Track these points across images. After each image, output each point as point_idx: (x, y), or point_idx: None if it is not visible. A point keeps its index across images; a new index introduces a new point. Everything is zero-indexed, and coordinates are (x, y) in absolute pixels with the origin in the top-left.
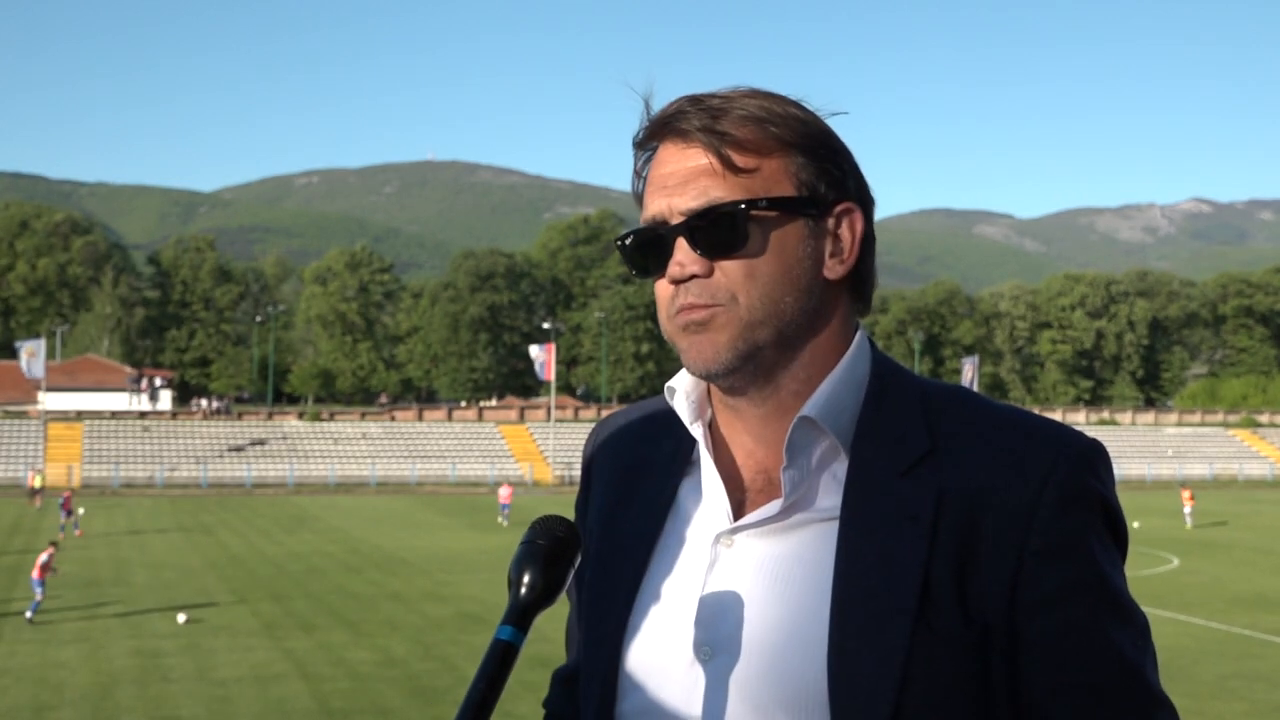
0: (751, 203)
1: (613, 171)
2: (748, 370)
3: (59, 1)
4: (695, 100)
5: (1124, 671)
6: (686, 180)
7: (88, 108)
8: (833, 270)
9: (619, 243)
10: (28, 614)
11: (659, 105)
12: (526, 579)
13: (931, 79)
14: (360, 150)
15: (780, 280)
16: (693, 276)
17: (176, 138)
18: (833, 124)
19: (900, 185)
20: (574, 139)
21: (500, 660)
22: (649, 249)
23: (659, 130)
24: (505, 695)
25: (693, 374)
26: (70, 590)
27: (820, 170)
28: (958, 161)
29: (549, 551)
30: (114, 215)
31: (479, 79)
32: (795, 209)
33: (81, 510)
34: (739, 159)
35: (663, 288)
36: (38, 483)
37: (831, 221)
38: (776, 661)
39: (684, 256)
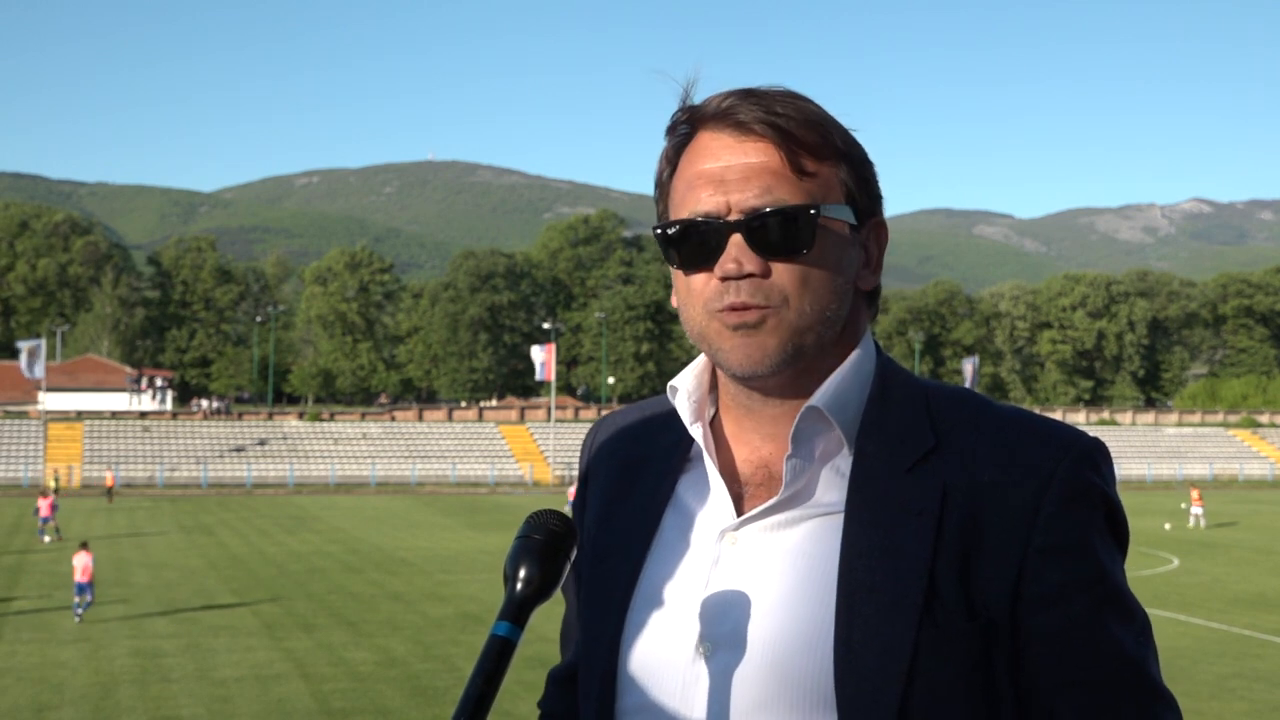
0: (819, 209)
1: (613, 171)
2: (788, 372)
3: (59, 1)
4: (747, 94)
5: (1126, 667)
6: (748, 176)
7: (88, 108)
8: (865, 280)
9: (660, 230)
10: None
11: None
12: (522, 574)
13: (931, 79)
14: (360, 150)
15: (829, 287)
16: (749, 275)
17: (176, 138)
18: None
19: (900, 185)
20: (574, 139)
21: (497, 656)
22: (697, 242)
23: (705, 119)
24: (503, 695)
25: (733, 373)
26: (70, 590)
27: (861, 181)
28: (958, 161)
29: (544, 546)
30: (114, 215)
31: (479, 79)
32: (848, 218)
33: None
34: (806, 162)
35: (703, 281)
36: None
37: (865, 233)
38: (781, 656)
39: (741, 254)
